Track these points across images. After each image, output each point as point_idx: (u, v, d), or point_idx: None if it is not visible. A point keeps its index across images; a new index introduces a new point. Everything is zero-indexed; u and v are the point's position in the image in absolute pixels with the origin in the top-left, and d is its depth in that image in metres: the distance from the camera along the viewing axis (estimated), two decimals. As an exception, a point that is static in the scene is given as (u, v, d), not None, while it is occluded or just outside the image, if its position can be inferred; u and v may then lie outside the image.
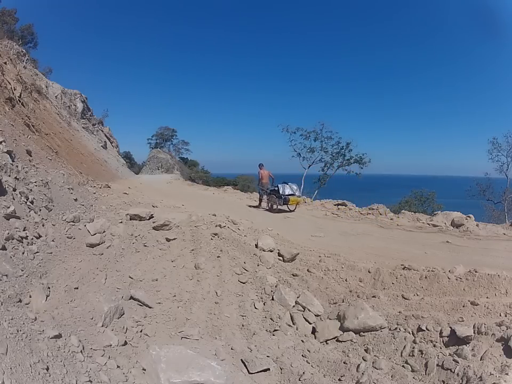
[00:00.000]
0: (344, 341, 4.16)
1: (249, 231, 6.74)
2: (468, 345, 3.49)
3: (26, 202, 5.15)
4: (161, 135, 36.19)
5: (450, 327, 3.72)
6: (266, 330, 4.39)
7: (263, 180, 10.81)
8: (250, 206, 11.24)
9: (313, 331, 4.41)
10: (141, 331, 3.90)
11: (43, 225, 5.12)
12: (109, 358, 3.20)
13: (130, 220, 6.37)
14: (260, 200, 10.92)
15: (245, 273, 5.32)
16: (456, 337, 3.58)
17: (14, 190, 5.10)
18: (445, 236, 7.64)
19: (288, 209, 9.86)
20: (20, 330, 2.75)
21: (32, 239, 4.65)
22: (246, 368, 3.71)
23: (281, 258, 5.83)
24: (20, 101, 10.24)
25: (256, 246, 5.97)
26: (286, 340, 4.23)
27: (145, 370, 3.33)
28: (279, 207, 9.76)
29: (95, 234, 5.64)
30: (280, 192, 9.72)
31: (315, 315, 4.58)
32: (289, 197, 9.62)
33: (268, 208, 10.41)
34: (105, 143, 24.21)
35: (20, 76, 12.24)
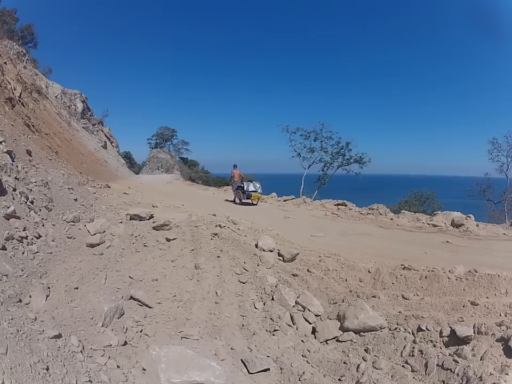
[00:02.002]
0: (344, 341, 4.16)
1: (249, 231, 6.74)
2: (468, 345, 3.49)
3: (26, 202, 5.15)
4: (161, 135, 36.17)
5: (450, 327, 3.72)
6: (266, 330, 4.39)
7: (235, 178, 12.92)
8: (226, 200, 12.87)
9: (313, 331, 4.41)
10: (141, 331, 3.90)
11: (43, 225, 5.12)
12: (109, 358, 3.20)
13: (130, 220, 6.37)
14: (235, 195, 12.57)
15: (245, 273, 5.32)
16: (456, 337, 3.58)
17: (14, 190, 5.10)
18: (445, 235, 7.64)
19: (252, 203, 11.76)
20: (20, 330, 2.75)
21: (32, 239, 4.65)
22: (246, 368, 3.71)
23: (281, 258, 5.83)
24: (20, 101, 10.24)
25: (256, 246, 5.97)
26: (286, 340, 4.23)
27: (145, 370, 3.32)
28: (244, 200, 11.75)
29: (95, 234, 5.64)
30: (245, 188, 11.72)
31: (315, 315, 4.58)
32: (252, 193, 11.63)
33: (237, 201, 12.12)
34: (105, 143, 24.20)
35: (20, 76, 12.24)
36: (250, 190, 11.59)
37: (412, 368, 3.53)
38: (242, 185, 11.90)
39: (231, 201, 12.51)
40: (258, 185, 11.89)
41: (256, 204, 11.71)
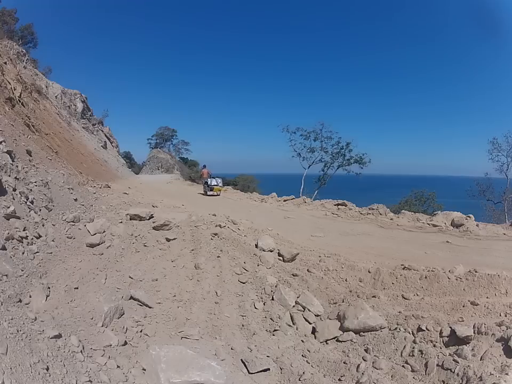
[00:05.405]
0: (344, 341, 4.15)
1: (249, 231, 6.74)
2: (468, 345, 3.49)
3: (26, 202, 5.14)
4: (161, 135, 36.19)
5: (450, 327, 3.71)
6: (266, 330, 4.39)
7: (204, 176, 16.21)
8: (199, 193, 15.63)
9: (313, 331, 4.40)
10: (141, 331, 3.90)
11: (43, 225, 5.12)
12: (109, 358, 3.20)
13: (130, 219, 6.37)
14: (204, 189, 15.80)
15: (245, 273, 5.32)
16: (456, 337, 3.58)
17: (14, 190, 5.10)
18: (445, 236, 7.64)
19: (216, 194, 14.78)
20: (20, 330, 2.75)
21: (32, 239, 4.64)
22: (246, 368, 3.71)
23: (281, 258, 5.83)
24: (20, 101, 10.23)
25: (256, 246, 5.97)
26: (286, 340, 4.23)
27: (145, 370, 3.32)
28: (209, 192, 14.85)
29: (95, 234, 5.64)
30: (208, 183, 14.97)
31: (315, 315, 4.58)
32: (214, 186, 14.86)
33: (204, 193, 15.26)
34: (105, 143, 24.22)
35: (20, 76, 12.24)
36: (212, 184, 14.91)
37: (412, 368, 3.52)
38: (207, 181, 15.17)
39: (201, 193, 15.59)
40: (219, 181, 15.18)
41: (218, 195, 14.73)
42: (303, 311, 4.61)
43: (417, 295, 4.64)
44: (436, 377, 3.33)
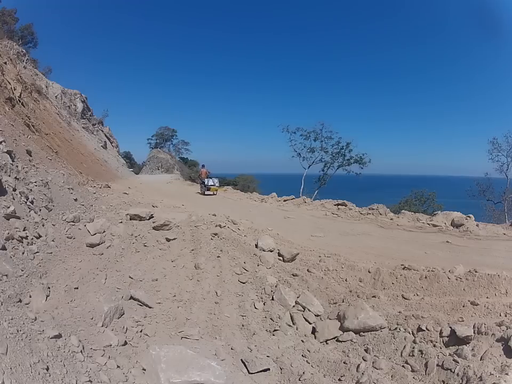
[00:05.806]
0: (344, 341, 4.15)
1: (249, 231, 6.73)
2: (468, 345, 3.49)
3: (26, 202, 5.14)
4: (161, 135, 36.25)
5: (450, 327, 3.71)
6: (266, 330, 4.39)
7: (202, 175, 16.79)
8: (197, 193, 15.98)
9: (313, 331, 4.40)
10: (141, 331, 3.90)
11: (43, 225, 5.12)
12: (109, 358, 3.20)
13: (130, 219, 6.37)
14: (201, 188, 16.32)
15: (245, 273, 5.32)
16: (456, 337, 3.58)
17: (14, 190, 5.10)
18: (445, 236, 7.64)
19: (213, 194, 15.23)
20: (20, 330, 2.75)
21: (32, 239, 4.64)
22: (246, 368, 3.71)
23: (281, 258, 5.83)
24: (20, 101, 10.23)
25: (256, 246, 5.97)
26: (286, 340, 4.23)
27: (145, 370, 3.32)
28: (206, 192, 15.31)
29: (95, 234, 5.64)
30: (205, 183, 15.46)
31: (315, 315, 4.57)
32: (210, 186, 15.35)
33: (201, 192, 15.70)
34: (105, 143, 24.24)
35: (20, 76, 12.25)
36: (209, 184, 15.37)
37: (412, 368, 3.52)
38: (204, 181, 15.64)
39: (199, 192, 15.94)
40: (216, 181, 15.59)
41: (215, 194, 15.13)
42: (303, 311, 4.61)
43: (417, 295, 4.64)
44: (436, 377, 3.33)
